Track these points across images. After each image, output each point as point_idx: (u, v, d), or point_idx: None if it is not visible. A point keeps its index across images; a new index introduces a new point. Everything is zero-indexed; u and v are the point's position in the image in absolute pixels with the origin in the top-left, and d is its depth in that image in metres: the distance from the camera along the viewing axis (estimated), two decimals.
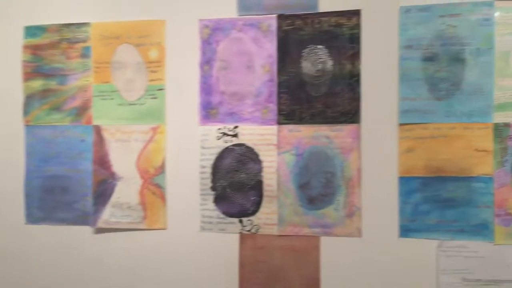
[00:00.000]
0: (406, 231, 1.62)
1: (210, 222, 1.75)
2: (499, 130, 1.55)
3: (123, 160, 1.80)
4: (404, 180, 1.62)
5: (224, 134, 1.75)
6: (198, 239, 1.76)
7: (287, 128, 1.70)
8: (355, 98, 1.65)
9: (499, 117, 1.55)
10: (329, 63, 1.67)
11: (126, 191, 1.80)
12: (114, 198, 1.80)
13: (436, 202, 1.59)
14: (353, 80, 1.65)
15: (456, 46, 1.57)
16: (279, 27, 1.70)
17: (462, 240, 1.57)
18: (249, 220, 1.72)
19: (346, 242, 1.66)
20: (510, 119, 1.54)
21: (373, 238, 1.64)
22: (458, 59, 1.57)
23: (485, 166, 1.56)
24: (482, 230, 1.56)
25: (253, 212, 1.72)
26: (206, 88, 1.76)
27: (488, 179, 1.56)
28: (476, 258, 1.57)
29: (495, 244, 1.56)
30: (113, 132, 1.80)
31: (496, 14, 1.54)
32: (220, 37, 1.75)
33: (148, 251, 1.80)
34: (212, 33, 1.75)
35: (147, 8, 1.78)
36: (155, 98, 1.78)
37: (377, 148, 1.64)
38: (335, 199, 1.67)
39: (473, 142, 1.57)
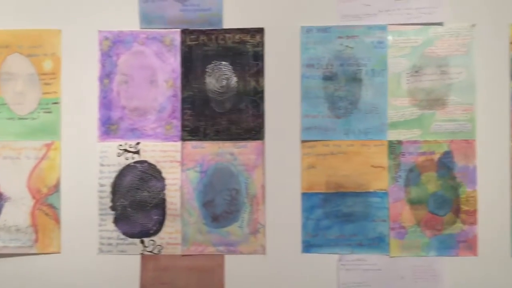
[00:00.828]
0: (308, 246, 1.64)
1: (110, 244, 1.66)
2: (392, 147, 1.63)
3: (11, 179, 1.65)
4: (306, 196, 1.64)
5: (125, 150, 1.67)
6: (95, 263, 1.65)
7: (191, 144, 1.66)
8: (259, 115, 1.66)
9: (393, 135, 1.63)
10: (234, 80, 1.67)
11: (15, 212, 1.65)
12: (0, 221, 1.65)
13: (336, 217, 1.64)
14: (257, 97, 1.66)
15: (353, 66, 1.64)
16: (183, 42, 1.67)
17: (361, 253, 1.63)
18: (151, 240, 1.66)
19: (251, 260, 1.65)
20: (402, 136, 1.63)
21: (276, 254, 1.64)
22: (355, 79, 1.64)
23: (380, 181, 1.63)
24: (378, 243, 1.63)
25: (156, 232, 1.66)
26: (106, 102, 1.67)
27: (383, 194, 1.63)
28: (373, 271, 1.63)
29: (390, 257, 1.63)
30: (0, 148, 1.66)
31: (389, 37, 1.64)
32: (121, 50, 1.68)
33: (41, 278, 1.66)
34: (113, 46, 1.68)
35: (41, 16, 1.67)
36: (49, 112, 1.66)
37: (281, 164, 1.65)
38: (240, 216, 1.65)
39: (369, 158, 1.64)
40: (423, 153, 1.63)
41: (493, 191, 1.61)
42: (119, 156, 1.67)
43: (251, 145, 1.66)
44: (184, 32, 1.67)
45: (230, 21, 1.67)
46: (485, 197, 1.61)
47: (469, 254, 1.62)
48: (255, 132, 1.66)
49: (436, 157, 1.63)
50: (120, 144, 1.67)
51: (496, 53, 1.62)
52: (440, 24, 1.63)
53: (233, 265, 1.65)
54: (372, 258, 1.63)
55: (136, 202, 1.66)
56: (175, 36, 1.67)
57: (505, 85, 1.62)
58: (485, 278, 1.61)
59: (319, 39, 1.65)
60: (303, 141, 1.65)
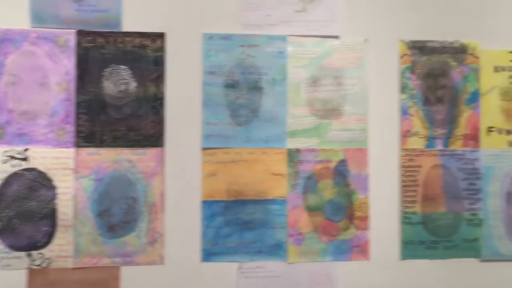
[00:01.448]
0: (208, 255, 1.62)
1: None
2: (291, 155, 1.67)
3: None
4: (207, 204, 1.63)
5: (12, 157, 1.55)
6: None
7: (86, 151, 1.58)
8: (159, 121, 1.62)
9: (292, 143, 1.67)
10: (133, 85, 1.62)
11: None
12: None
13: (237, 225, 1.64)
14: (157, 103, 1.62)
15: (254, 75, 1.66)
16: (79, 43, 1.59)
17: (260, 260, 1.64)
18: (39, 253, 1.55)
19: (148, 271, 1.60)
20: (300, 144, 1.67)
21: (175, 264, 1.61)
22: (256, 88, 1.66)
23: (280, 189, 1.66)
24: (277, 250, 1.65)
25: (45, 244, 1.55)
26: None
27: (282, 201, 1.66)
28: (272, 278, 1.65)
29: (288, 263, 1.66)
30: None
31: (289, 48, 1.68)
32: (9, 49, 1.57)
33: None
34: (0, 44, 1.56)
35: None
36: None
37: (181, 172, 1.62)
38: (137, 226, 1.60)
39: (269, 166, 1.66)
40: (320, 161, 1.68)
41: (383, 198, 1.70)
42: (4, 163, 1.54)
43: (151, 152, 1.61)
44: (80, 33, 1.59)
45: (130, 24, 1.62)
46: (376, 203, 1.70)
47: (362, 258, 1.69)
48: (154, 139, 1.62)
49: (332, 165, 1.69)
50: (6, 150, 1.55)
51: (387, 67, 1.72)
52: (336, 37, 1.70)
53: (129, 276, 1.59)
54: (270, 265, 1.65)
55: (23, 212, 1.55)
56: (70, 37, 1.59)
57: (395, 97, 1.72)
58: (376, 280, 1.69)
59: (221, 46, 1.65)
60: (204, 149, 1.63)
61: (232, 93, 1.65)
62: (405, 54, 1.72)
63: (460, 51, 1.74)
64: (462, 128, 1.73)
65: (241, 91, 1.66)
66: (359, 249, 1.69)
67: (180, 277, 1.61)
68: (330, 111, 1.69)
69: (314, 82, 1.68)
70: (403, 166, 1.71)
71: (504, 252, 1.73)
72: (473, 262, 1.73)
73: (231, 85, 1.65)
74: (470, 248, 1.72)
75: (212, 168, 1.63)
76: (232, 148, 1.64)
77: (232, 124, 1.65)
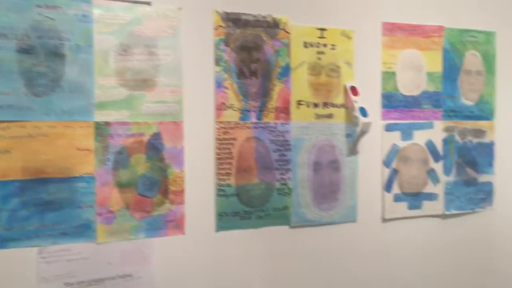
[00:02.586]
0: (2, 241, 1.44)
1: None
2: (100, 129, 1.55)
3: None
4: None
5: None
6: None
7: None
8: None
9: (100, 116, 1.55)
10: None
11: None
12: None
13: (37, 206, 1.47)
14: None
15: (54, 40, 1.48)
16: None
17: (65, 243, 1.51)
18: None
19: None
20: (110, 117, 1.56)
21: None
22: (57, 54, 1.49)
23: (87, 165, 1.53)
24: (85, 230, 1.53)
25: None
26: None
27: (90, 179, 1.54)
28: (79, 260, 1.53)
29: (97, 243, 1.55)
30: None
31: (95, 11, 1.54)
32: None
33: None
34: None
35: None
36: None
37: None
38: None
39: (75, 141, 1.52)
40: (133, 135, 1.59)
41: (198, 171, 1.69)
42: None
43: None
44: None
45: None
46: (192, 177, 1.67)
47: (177, 233, 1.66)
48: None
49: (145, 138, 1.61)
50: None
51: (201, 38, 1.68)
52: (148, 3, 1.60)
53: None
54: (77, 247, 1.53)
55: None
56: None
57: (210, 69, 1.70)
58: (192, 254, 1.69)
59: (12, 5, 1.44)
60: None
61: (27, 60, 1.46)
62: (220, 26, 1.70)
63: (272, 26, 1.77)
64: (274, 101, 1.79)
65: (39, 57, 1.47)
66: (175, 224, 1.66)
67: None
68: (142, 82, 1.60)
69: (124, 50, 1.57)
70: (218, 139, 1.71)
71: (311, 218, 1.85)
72: (284, 229, 1.82)
73: (25, 51, 1.45)
74: (281, 216, 1.81)
75: (4, 144, 1.44)
76: (29, 122, 1.46)
77: (28, 94, 1.46)
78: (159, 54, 1.62)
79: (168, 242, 1.65)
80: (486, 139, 2.16)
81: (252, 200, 1.76)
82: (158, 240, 1.64)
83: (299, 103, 1.83)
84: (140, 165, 1.61)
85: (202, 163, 1.69)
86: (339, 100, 1.89)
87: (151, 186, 1.63)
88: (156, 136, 1.63)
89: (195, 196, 1.68)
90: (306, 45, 1.84)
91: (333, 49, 1.88)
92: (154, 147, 1.63)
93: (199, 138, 1.69)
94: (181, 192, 1.67)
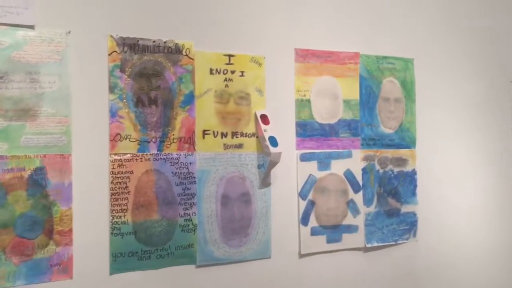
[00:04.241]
0: None
1: None
2: None
3: None
4: None
5: None
6: None
7: None
8: None
9: None
10: None
11: None
12: None
13: None
14: None
15: None
16: None
17: None
18: None
19: None
20: None
21: None
22: None
23: None
24: None
25: None
26: None
27: None
28: None
29: None
30: None
31: None
32: None
33: None
34: None
35: None
36: None
37: None
38: None
39: None
40: (11, 170, 1.44)
41: (89, 208, 1.53)
42: None
43: None
44: None
45: None
46: (81, 215, 1.52)
47: (64, 278, 1.50)
48: None
49: (26, 174, 1.45)
50: None
51: (93, 63, 1.56)
52: (31, 27, 1.48)
53: None
54: None
55: None
56: None
57: (104, 96, 1.57)
58: None
59: None
60: None
61: None
62: (114, 51, 1.58)
63: (174, 51, 1.67)
64: (177, 131, 1.67)
65: None
66: (60, 268, 1.49)
67: None
68: (22, 112, 1.45)
69: (1, 77, 1.43)
70: (112, 173, 1.57)
71: (219, 256, 1.72)
72: (189, 269, 1.68)
73: None
74: (185, 254, 1.66)
75: None
76: None
77: None
78: (43, 82, 1.48)
79: None
80: (407, 168, 2.10)
81: (152, 238, 1.62)
82: (41, 287, 1.47)
83: (205, 132, 1.72)
84: (20, 203, 1.45)
85: (94, 200, 1.55)
86: (250, 129, 1.79)
87: (32, 226, 1.46)
88: (39, 170, 1.48)
89: (85, 235, 1.53)
90: (212, 71, 1.74)
91: (242, 76, 1.79)
92: (36, 183, 1.47)
93: (90, 172, 1.54)
94: (68, 232, 1.51)
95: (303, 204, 1.87)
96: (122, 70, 1.59)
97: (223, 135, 1.75)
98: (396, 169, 2.07)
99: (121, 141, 1.59)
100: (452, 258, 2.19)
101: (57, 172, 1.50)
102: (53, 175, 1.50)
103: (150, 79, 1.64)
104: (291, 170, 1.86)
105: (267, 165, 1.77)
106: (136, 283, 1.60)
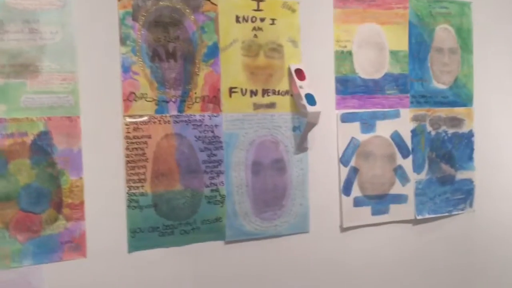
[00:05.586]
0: None
1: None
2: None
3: None
4: None
5: None
6: None
7: None
8: None
9: None
10: None
11: None
12: None
13: None
14: None
15: None
16: None
17: None
18: None
19: None
20: None
21: None
22: None
23: None
24: None
25: None
26: None
27: None
28: None
29: None
30: None
31: None
32: None
33: None
34: None
35: None
36: None
37: None
38: None
39: None
40: (11, 135, 1.25)
41: (102, 178, 1.34)
42: None
43: None
44: None
45: None
46: (94, 185, 1.33)
47: (77, 256, 1.32)
48: None
49: (29, 139, 1.27)
50: None
51: (101, 10, 1.34)
52: None
53: None
54: None
55: None
56: None
57: (114, 49, 1.36)
58: (98, 283, 1.34)
59: None
60: None
61: None
62: None
63: None
64: (200, 89, 1.45)
65: None
66: (72, 246, 1.31)
67: None
68: (21, 67, 1.25)
69: None
70: (127, 138, 1.37)
71: (251, 230, 1.52)
72: (217, 245, 1.49)
73: None
74: (213, 229, 1.47)
75: None
76: None
77: None
78: (43, 32, 1.28)
79: (64, 268, 1.31)
80: (463, 129, 1.84)
81: (174, 211, 1.43)
82: (51, 267, 1.29)
83: (231, 90, 1.49)
84: (23, 173, 1.27)
85: (108, 168, 1.35)
86: (283, 86, 1.56)
87: (38, 199, 1.28)
88: (44, 135, 1.29)
89: (99, 209, 1.34)
90: (238, 19, 1.50)
91: (273, 24, 1.55)
92: (41, 150, 1.28)
93: (102, 137, 1.34)
94: (80, 205, 1.33)
95: (345, 171, 1.65)
96: (135, 18, 1.37)
97: (253, 93, 1.52)
98: (450, 131, 1.81)
99: (136, 101, 1.38)
100: None
101: (64, 137, 1.31)
102: (59, 140, 1.30)
103: (167, 29, 1.41)
104: (331, 132, 1.63)
105: (303, 127, 1.55)
106: (158, 262, 1.41)
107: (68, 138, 1.31)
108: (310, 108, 1.51)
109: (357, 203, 1.67)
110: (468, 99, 1.85)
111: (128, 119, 1.37)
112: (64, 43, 1.31)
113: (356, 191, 1.67)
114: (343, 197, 1.65)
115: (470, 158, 1.86)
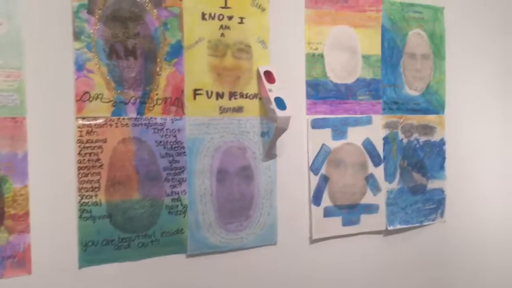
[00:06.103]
0: None
1: None
2: None
3: None
4: None
5: None
6: None
7: None
8: None
9: None
10: None
11: None
12: None
13: None
14: None
15: None
16: None
17: None
18: None
19: None
20: None
21: None
22: None
23: None
24: None
25: None
26: None
27: None
28: None
29: None
30: None
31: None
32: None
33: None
34: None
35: None
36: None
37: None
38: None
39: None
40: None
41: (51, 187, 1.22)
42: None
43: None
44: None
45: None
46: (41, 194, 1.21)
47: (20, 273, 1.19)
48: None
49: None
50: None
51: (56, 2, 1.21)
52: None
53: None
54: None
55: None
56: None
57: (67, 44, 1.24)
58: None
59: None
60: None
61: None
62: None
63: None
64: (162, 90, 1.35)
65: None
66: (15, 261, 1.18)
67: None
68: None
69: None
70: (79, 141, 1.25)
71: (215, 243, 1.42)
72: (178, 259, 1.38)
73: None
74: (174, 242, 1.36)
75: None
76: None
77: None
78: None
79: (6, 286, 1.18)
80: (435, 137, 1.80)
81: (131, 222, 1.31)
82: None
83: (196, 92, 1.39)
84: None
85: (57, 175, 1.23)
86: (251, 89, 1.47)
87: None
88: None
89: (46, 220, 1.21)
90: (204, 16, 1.41)
91: (241, 23, 1.46)
92: None
93: (51, 140, 1.22)
94: (24, 216, 1.19)
95: (315, 180, 1.57)
96: (90, 12, 1.26)
97: (219, 95, 1.43)
98: (422, 139, 1.77)
99: (90, 101, 1.26)
100: (484, 241, 1.92)
101: (7, 140, 1.18)
102: (2, 143, 1.17)
103: (127, 24, 1.30)
104: (301, 139, 1.56)
105: (272, 132, 1.47)
106: (112, 278, 1.29)
107: (12, 141, 1.18)
108: (279, 113, 1.42)
109: (327, 213, 1.59)
110: (440, 107, 1.81)
111: (81, 121, 1.25)
112: (10, 36, 1.17)
113: (326, 201, 1.59)
114: (313, 207, 1.57)
115: (442, 167, 1.82)
